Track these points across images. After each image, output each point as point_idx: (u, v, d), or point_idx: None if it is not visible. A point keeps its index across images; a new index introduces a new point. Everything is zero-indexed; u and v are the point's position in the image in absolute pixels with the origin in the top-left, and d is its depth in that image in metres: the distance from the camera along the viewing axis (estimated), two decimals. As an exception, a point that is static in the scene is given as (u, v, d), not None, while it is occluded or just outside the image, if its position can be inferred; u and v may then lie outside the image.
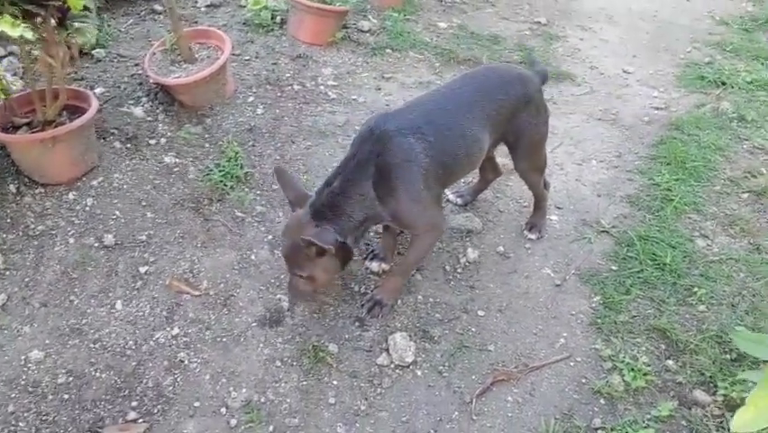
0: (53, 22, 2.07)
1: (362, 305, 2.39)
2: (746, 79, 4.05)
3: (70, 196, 2.50)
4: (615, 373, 2.24)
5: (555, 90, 3.84)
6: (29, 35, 1.70)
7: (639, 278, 2.62)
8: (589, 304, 2.52)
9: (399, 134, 2.09)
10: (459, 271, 2.61)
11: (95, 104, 2.48)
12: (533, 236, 2.79)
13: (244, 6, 4.03)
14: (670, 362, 2.29)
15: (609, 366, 2.27)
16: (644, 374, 2.21)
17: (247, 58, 3.55)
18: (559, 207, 3.00)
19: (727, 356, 2.31)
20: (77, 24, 2.15)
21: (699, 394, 2.18)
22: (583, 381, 2.24)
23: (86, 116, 2.42)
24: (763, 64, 4.36)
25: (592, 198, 3.08)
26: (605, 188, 3.14)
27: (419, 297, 2.46)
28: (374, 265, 2.54)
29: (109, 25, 3.61)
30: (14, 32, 1.66)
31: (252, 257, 2.48)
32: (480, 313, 2.44)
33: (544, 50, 4.30)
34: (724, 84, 4.01)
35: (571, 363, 2.29)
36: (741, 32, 4.90)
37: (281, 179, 2.25)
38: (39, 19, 2.04)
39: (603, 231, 2.87)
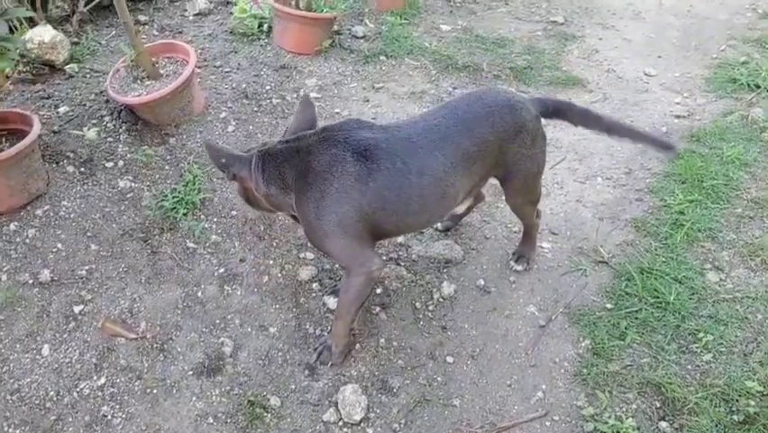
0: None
1: (315, 348, 2.16)
2: (785, 80, 3.60)
3: (11, 227, 2.36)
4: (593, 436, 1.94)
5: (564, 97, 3.48)
6: None
7: (636, 319, 2.29)
8: (575, 350, 2.21)
9: (339, 145, 1.90)
10: (431, 308, 2.34)
11: (35, 129, 2.33)
12: (519, 267, 2.49)
13: (233, 14, 3.85)
14: (663, 424, 1.97)
15: (591, 428, 1.96)
16: (631, 440, 1.91)
17: (228, 69, 3.36)
18: (554, 233, 2.68)
19: (734, 417, 1.97)
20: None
21: (698, 466, 1.86)
22: (560, 444, 1.94)
23: (24, 143, 2.26)
24: (807, 62, 3.88)
25: (593, 222, 2.74)
26: (608, 211, 2.80)
27: (381, 340, 2.21)
28: (331, 302, 2.30)
29: (88, 38, 3.48)
30: None
31: (199, 294, 2.28)
32: (449, 360, 2.17)
33: (557, 52, 3.95)
34: (758, 87, 3.57)
35: (547, 423, 2.00)
36: (786, 25, 4.41)
37: (302, 107, 2.09)
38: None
39: (601, 261, 2.55)
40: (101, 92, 3.02)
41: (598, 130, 2.31)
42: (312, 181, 1.90)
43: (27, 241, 2.33)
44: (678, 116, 3.39)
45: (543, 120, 2.19)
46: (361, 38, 3.78)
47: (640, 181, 2.95)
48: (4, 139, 2.35)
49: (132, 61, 2.77)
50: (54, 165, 2.60)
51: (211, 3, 3.94)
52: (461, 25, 4.16)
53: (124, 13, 2.58)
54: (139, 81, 2.78)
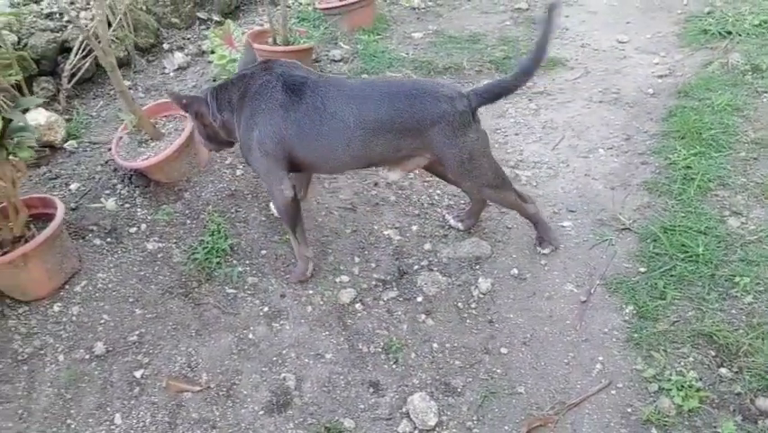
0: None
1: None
2: (754, 23, 3.73)
3: (55, 308, 2.39)
4: (663, 395, 2.00)
5: (547, 80, 3.59)
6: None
7: (672, 276, 2.37)
8: (621, 317, 2.28)
9: (272, 74, 2.26)
10: (473, 306, 2.40)
11: (60, 210, 2.37)
12: (545, 251, 2.57)
13: (212, 62, 3.91)
14: (723, 370, 2.03)
15: (655, 388, 2.03)
16: (697, 391, 1.97)
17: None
18: (571, 210, 2.76)
19: (789, 350, 2.05)
20: (15, 139, 2.03)
21: (763, 402, 1.92)
22: (629, 410, 2.00)
23: (52, 226, 2.30)
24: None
25: (606, 192, 2.83)
26: (618, 179, 2.89)
27: (434, 345, 2.27)
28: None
29: (79, 112, 3.53)
30: None
31: (250, 336, 2.32)
32: (504, 350, 2.23)
33: (529, 38, 4.05)
34: (729, 33, 3.70)
35: (613, 392, 2.06)
36: (738, -31, 4.55)
37: (246, 50, 2.53)
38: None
39: (624, 228, 2.63)
40: (106, 162, 3.07)
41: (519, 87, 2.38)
42: (248, 101, 2.27)
43: (74, 319, 2.36)
44: (660, 76, 3.51)
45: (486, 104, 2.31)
46: (340, 60, 3.86)
47: (640, 145, 3.05)
48: (31, 225, 2.38)
49: (133, 127, 2.82)
50: (81, 241, 2.64)
51: (188, 56, 4.00)
52: (431, 29, 4.25)
53: (120, 83, 2.64)
54: (144, 144, 2.83)
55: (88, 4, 3.93)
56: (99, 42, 2.51)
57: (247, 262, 2.58)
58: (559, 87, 3.54)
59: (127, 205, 2.82)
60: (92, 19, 3.85)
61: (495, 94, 2.31)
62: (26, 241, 2.32)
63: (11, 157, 2.05)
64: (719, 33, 3.71)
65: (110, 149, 3.15)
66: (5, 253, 2.27)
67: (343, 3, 4.05)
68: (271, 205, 2.69)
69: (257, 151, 2.28)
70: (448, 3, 4.63)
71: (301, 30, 3.77)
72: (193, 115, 2.39)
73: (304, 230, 2.50)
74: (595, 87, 3.50)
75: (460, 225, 2.70)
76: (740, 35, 3.65)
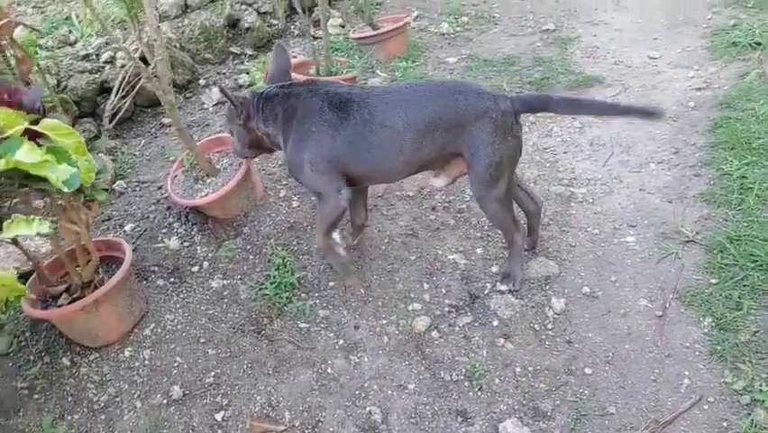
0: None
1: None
2: (782, 32, 3.78)
3: (126, 353, 2.37)
4: (757, 407, 1.97)
5: (588, 97, 3.62)
6: (45, 229, 1.57)
7: (746, 286, 2.36)
8: (700, 330, 2.26)
9: (318, 96, 2.29)
10: (549, 327, 2.38)
11: (128, 253, 2.36)
12: (503, 287, 2.51)
13: (250, 96, 3.94)
14: (814, 378, 2.01)
15: (747, 400, 2.00)
16: (791, 400, 1.95)
17: (266, 149, 3.42)
18: (632, 225, 2.76)
19: None
20: (91, 182, 2.03)
21: None
22: (725, 424, 1.97)
23: (123, 269, 2.29)
24: (792, 11, 4.09)
25: (663, 205, 2.83)
26: (674, 192, 2.89)
27: (517, 369, 2.24)
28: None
29: (123, 153, 3.54)
30: (31, 231, 1.54)
31: (329, 370, 2.29)
32: (588, 371, 2.20)
33: (562, 57, 4.10)
34: (759, 44, 3.74)
35: (705, 407, 2.03)
36: (757, -19, 4.62)
37: (276, 53, 2.53)
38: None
39: (688, 241, 2.62)
40: (158, 201, 3.07)
41: (585, 114, 2.43)
42: (296, 123, 2.30)
43: (146, 363, 2.33)
44: (698, 89, 3.54)
45: (526, 115, 2.44)
46: (380, 87, 3.90)
47: (690, 157, 3.06)
48: (99, 269, 2.36)
49: (190, 164, 2.82)
50: (144, 282, 2.62)
51: (224, 90, 4.03)
52: (464, 54, 4.30)
53: (178, 121, 2.65)
54: (200, 181, 2.83)
55: (124, 41, 3.97)
56: (158, 81, 2.52)
57: (316, 295, 2.57)
58: (599, 104, 3.57)
59: (186, 243, 2.81)
60: (130, 59, 3.90)
61: (538, 104, 2.37)
62: (95, 286, 2.30)
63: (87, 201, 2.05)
64: (750, 45, 3.76)
65: (160, 187, 3.17)
66: (75, 299, 2.26)
67: (378, 32, 4.10)
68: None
69: (308, 171, 2.32)
70: (476, 27, 4.69)
71: (341, 60, 3.81)
72: (242, 117, 2.41)
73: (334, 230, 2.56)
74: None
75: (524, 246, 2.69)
76: (771, 45, 3.70)
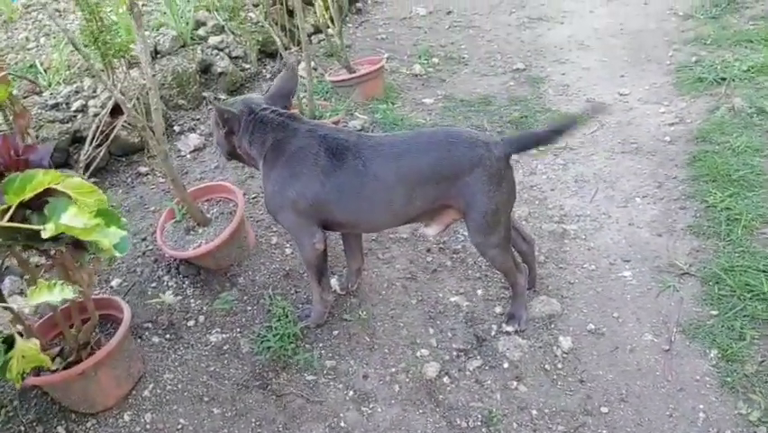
0: (68, 247, 1.85)
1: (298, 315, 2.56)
2: (742, 69, 3.98)
3: (126, 417, 2.22)
4: (775, 436, 2.00)
5: (567, 134, 3.71)
6: (70, 295, 1.48)
7: (746, 317, 2.41)
8: (708, 363, 2.30)
9: (314, 139, 2.26)
10: (560, 366, 2.37)
11: (126, 312, 2.23)
12: (509, 328, 2.50)
13: (229, 141, 3.87)
14: (824, 404, 2.06)
15: (765, 430, 2.03)
16: (808, 429, 1.98)
17: (253, 195, 3.36)
18: (626, 260, 2.80)
19: None
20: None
21: None
22: (746, 457, 1.99)
23: (122, 329, 2.16)
24: (746, 47, 4.32)
25: (654, 239, 2.90)
26: (662, 226, 2.96)
27: (533, 411, 2.21)
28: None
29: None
30: (55, 297, 1.44)
31: (342, 423, 2.21)
32: (604, 409, 2.19)
33: (537, 95, 4.21)
34: (724, 80, 3.93)
35: (724, 440, 2.05)
36: (710, 20, 4.90)
37: (287, 72, 2.49)
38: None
39: (683, 273, 2.68)
40: (144, 253, 2.94)
41: (563, 136, 2.44)
42: (285, 159, 2.26)
43: (148, 427, 2.19)
44: (671, 124, 3.68)
45: (515, 156, 2.39)
46: (360, 131, 3.89)
47: (674, 191, 3.15)
48: (98, 329, 2.23)
49: (182, 215, 2.73)
50: (139, 340, 2.49)
51: (201, 136, 3.95)
52: (440, 94, 4.36)
53: (172, 171, 2.57)
54: (192, 232, 2.73)
55: (95, 92, 3.86)
56: (153, 132, 2.44)
57: (320, 345, 2.49)
58: (579, 141, 3.66)
59: (179, 297, 2.69)
60: (102, 107, 3.78)
61: (527, 143, 2.38)
62: (92, 347, 2.17)
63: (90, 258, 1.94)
64: (715, 81, 3.95)
65: (144, 239, 3.05)
66: (70, 363, 2.11)
67: (355, 75, 4.12)
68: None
69: (289, 210, 2.30)
70: (447, 68, 4.77)
71: (324, 103, 3.80)
72: (225, 129, 2.37)
73: (329, 277, 2.56)
74: (613, 139, 3.63)
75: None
76: (734, 80, 3.89)
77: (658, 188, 3.20)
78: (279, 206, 2.31)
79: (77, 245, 1.92)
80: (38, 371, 2.13)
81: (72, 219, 1.40)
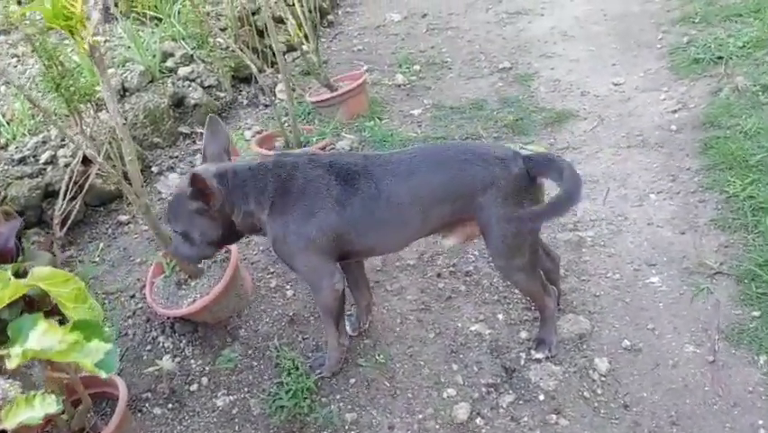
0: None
1: (309, 364, 2.36)
2: (737, 45, 3.83)
3: (135, 507, 2.01)
4: None
5: (567, 134, 3.53)
6: (53, 408, 1.25)
7: (790, 315, 2.24)
8: (759, 371, 2.12)
9: (323, 167, 2.08)
10: (599, 392, 2.18)
11: (123, 389, 2.01)
12: (539, 355, 2.30)
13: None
14: None
15: (835, 440, 1.85)
16: None
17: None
18: (652, 264, 2.62)
19: None
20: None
21: None
22: (819, 474, 1.81)
23: (119, 410, 1.94)
24: (737, 22, 4.17)
25: (677, 238, 2.72)
26: (684, 222, 2.78)
27: (579, 448, 2.02)
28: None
29: (81, 261, 3.16)
30: (37, 414, 1.20)
31: (373, 485, 2.01)
32: (655, 437, 2.00)
33: (528, 94, 4.03)
34: (720, 58, 3.77)
35: (793, 458, 1.87)
36: (694, -3, 4.74)
37: (210, 128, 2.21)
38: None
39: (715, 273, 2.50)
40: (134, 313, 2.72)
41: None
42: (295, 199, 2.05)
43: None
44: (674, 111, 3.51)
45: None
46: (350, 150, 3.69)
47: (689, 183, 2.98)
48: (92, 411, 2.00)
49: (171, 269, 2.51)
50: (139, 415, 2.26)
51: (182, 175, 3.73)
52: (428, 103, 4.16)
53: (155, 225, 2.35)
54: (185, 286, 2.51)
55: (63, 141, 3.62)
56: (131, 184, 2.23)
57: (338, 396, 2.28)
58: (581, 138, 3.48)
59: (178, 358, 2.47)
60: (72, 156, 3.54)
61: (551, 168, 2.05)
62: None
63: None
64: (712, 60, 3.79)
65: (133, 296, 2.84)
66: (66, 454, 1.89)
67: (337, 93, 3.91)
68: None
69: (308, 251, 2.09)
70: (431, 75, 4.58)
71: (307, 127, 3.59)
72: (213, 205, 2.02)
73: (345, 320, 2.36)
74: (617, 133, 3.45)
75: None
76: (731, 59, 3.74)
77: (673, 181, 3.02)
78: (297, 248, 2.09)
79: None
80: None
81: (42, 339, 1.17)
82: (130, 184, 2.28)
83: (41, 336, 1.17)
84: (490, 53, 4.74)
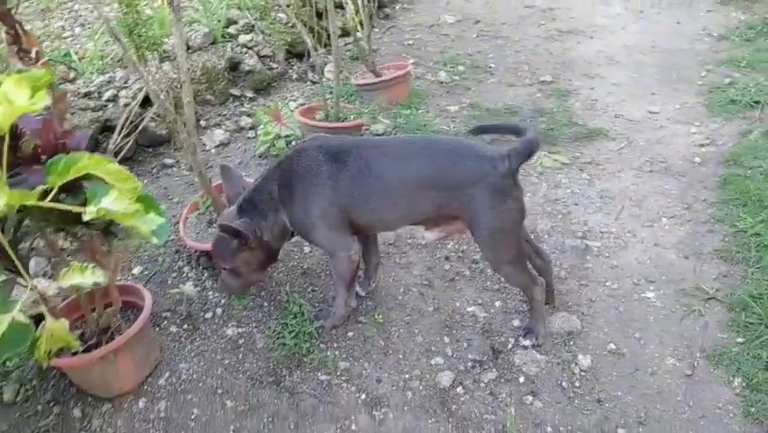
0: (97, 232, 1.86)
1: (314, 314, 2.55)
2: (777, 93, 3.92)
3: (140, 404, 2.22)
4: (800, 472, 1.94)
5: (593, 150, 3.67)
6: (101, 279, 1.48)
7: (773, 346, 2.35)
8: (732, 391, 2.24)
9: (313, 150, 2.28)
10: (577, 384, 2.32)
11: (148, 300, 2.24)
12: (527, 342, 2.45)
13: (253, 138, 3.89)
14: None
15: (789, 465, 1.97)
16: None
17: (273, 193, 3.35)
18: (651, 281, 2.75)
19: None
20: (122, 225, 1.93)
21: None
22: (768, 490, 1.93)
23: (143, 316, 2.17)
24: (781, 72, 4.26)
25: (680, 261, 2.84)
26: (689, 248, 2.91)
27: (547, 428, 2.17)
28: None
29: (124, 192, 3.42)
30: (86, 280, 1.44)
31: (353, 427, 2.18)
32: (621, 432, 2.14)
33: (563, 108, 4.17)
34: (757, 103, 3.87)
35: (747, 472, 1.99)
36: (744, 43, 4.84)
37: (225, 175, 2.48)
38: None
39: (709, 298, 2.62)
40: (165, 243, 2.95)
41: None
42: (295, 184, 2.28)
43: (162, 415, 2.19)
44: (702, 145, 3.62)
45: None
46: (382, 134, 3.88)
47: (702, 213, 3.10)
48: (119, 315, 2.23)
49: (206, 208, 2.73)
50: (157, 329, 2.49)
51: (226, 132, 3.97)
52: (465, 102, 4.33)
53: (199, 165, 2.58)
54: (214, 225, 2.74)
55: (126, 83, 3.89)
56: (184, 125, 2.45)
57: (335, 345, 2.47)
58: (605, 156, 3.62)
59: (198, 288, 2.69)
60: (133, 98, 3.81)
61: (529, 149, 2.23)
62: (112, 333, 2.17)
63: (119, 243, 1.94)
64: (749, 104, 3.88)
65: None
66: (90, 347, 2.12)
67: (381, 79, 4.11)
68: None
69: (321, 226, 2.30)
70: (473, 77, 4.75)
71: (348, 106, 3.80)
72: (255, 235, 2.29)
73: (355, 285, 2.57)
74: (641, 157, 3.58)
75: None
76: (768, 105, 3.83)
77: (686, 209, 3.15)
78: (311, 226, 2.32)
79: (107, 231, 1.94)
80: (58, 352, 2.14)
81: (113, 203, 1.40)
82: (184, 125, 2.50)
83: (112, 201, 1.39)
84: (534, 65, 4.89)
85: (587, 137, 3.79)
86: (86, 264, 1.48)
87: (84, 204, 1.43)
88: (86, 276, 1.45)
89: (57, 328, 1.49)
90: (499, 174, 2.15)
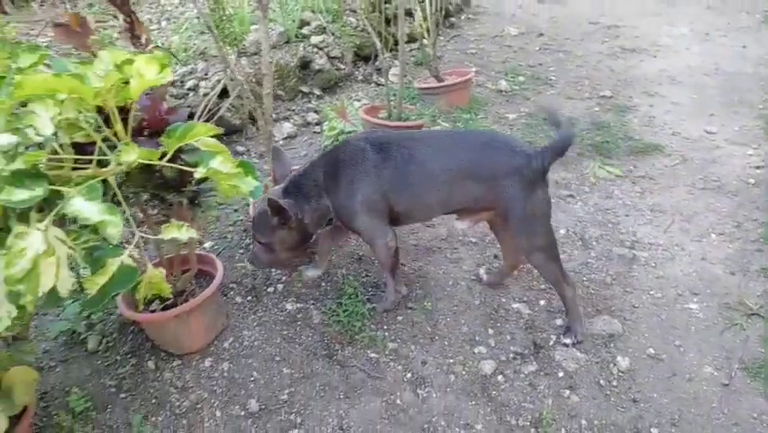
0: (186, 202, 2.10)
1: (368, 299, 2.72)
2: (840, 121, 3.89)
3: (206, 363, 2.45)
4: (829, 484, 2.00)
5: (648, 165, 3.74)
6: (194, 234, 1.71)
7: (813, 364, 2.40)
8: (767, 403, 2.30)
9: (360, 140, 2.45)
10: (614, 383, 2.42)
11: (220, 268, 2.48)
12: (567, 341, 2.56)
13: (318, 133, 4.11)
14: None
15: (819, 477, 2.03)
16: None
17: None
18: (695, 293, 2.82)
19: None
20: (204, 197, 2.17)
21: None
22: (796, 498, 1.99)
23: (216, 282, 2.40)
24: None
25: (726, 276, 2.90)
26: (736, 265, 2.96)
27: (582, 421, 2.28)
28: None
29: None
30: (182, 236, 1.68)
31: (398, 401, 2.35)
32: (654, 431, 2.23)
33: (621, 123, 4.24)
34: (819, 130, 3.86)
35: (776, 480, 2.06)
36: (811, 70, 4.79)
37: (276, 157, 2.65)
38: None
39: (752, 313, 2.67)
40: (234, 223, 3.20)
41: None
42: (341, 172, 2.42)
43: (225, 375, 2.41)
44: (757, 167, 3.64)
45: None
46: (440, 136, 4.05)
47: (752, 232, 3.14)
48: (194, 281, 2.47)
49: (273, 190, 2.96)
50: (224, 297, 2.72)
51: (294, 126, 4.22)
52: (524, 111, 4.46)
53: (269, 143, 2.80)
54: (281, 206, 2.96)
55: (206, 74, 4.19)
56: (263, 113, 2.68)
57: (385, 327, 2.64)
58: (660, 172, 3.68)
59: (262, 265, 2.92)
60: (212, 89, 4.11)
61: (564, 145, 2.35)
62: (187, 296, 2.41)
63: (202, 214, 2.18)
64: (810, 130, 3.88)
65: (236, 210, 3.31)
66: (167, 306, 2.36)
67: (443, 84, 4.29)
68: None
69: (362, 212, 2.45)
70: (533, 87, 4.87)
71: (410, 107, 3.99)
72: (289, 221, 2.42)
73: (400, 272, 2.73)
74: (695, 174, 3.63)
75: (484, 277, 2.89)
76: (830, 132, 3.81)
77: (736, 227, 3.19)
78: (354, 212, 2.46)
79: (193, 202, 2.17)
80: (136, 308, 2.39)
81: (220, 165, 1.63)
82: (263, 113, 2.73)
83: (219, 163, 1.62)
84: (595, 80, 4.97)
85: (642, 152, 3.86)
86: (182, 224, 1.71)
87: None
88: (182, 232, 1.68)
89: (155, 276, 1.72)
90: (532, 169, 2.31)
